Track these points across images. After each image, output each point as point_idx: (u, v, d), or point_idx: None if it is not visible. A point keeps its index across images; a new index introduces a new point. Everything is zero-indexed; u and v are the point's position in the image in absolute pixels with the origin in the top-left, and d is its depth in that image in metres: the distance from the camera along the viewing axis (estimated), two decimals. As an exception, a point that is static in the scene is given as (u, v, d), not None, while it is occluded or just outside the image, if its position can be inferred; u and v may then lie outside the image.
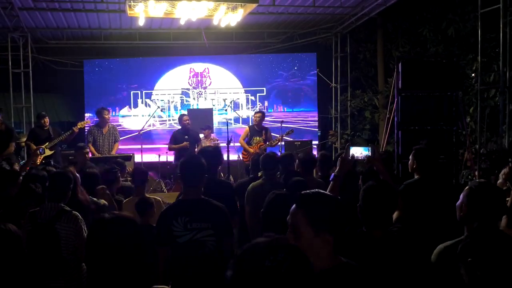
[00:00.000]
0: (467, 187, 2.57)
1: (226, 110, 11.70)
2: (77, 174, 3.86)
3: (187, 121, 9.03)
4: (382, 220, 2.64)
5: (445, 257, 2.43)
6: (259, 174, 5.13)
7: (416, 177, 4.16)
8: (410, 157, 4.21)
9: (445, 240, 2.50)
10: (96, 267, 1.78)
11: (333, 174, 3.36)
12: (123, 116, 12.22)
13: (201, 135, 9.62)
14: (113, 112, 11.82)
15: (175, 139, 9.01)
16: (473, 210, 2.44)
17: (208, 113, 11.12)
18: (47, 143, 8.38)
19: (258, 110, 10.44)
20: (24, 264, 2.20)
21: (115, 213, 1.94)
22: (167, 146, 9.44)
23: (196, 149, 8.74)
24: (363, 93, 12.29)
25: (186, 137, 8.87)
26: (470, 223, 2.45)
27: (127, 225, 1.82)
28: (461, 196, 2.56)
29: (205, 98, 12.26)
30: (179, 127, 9.32)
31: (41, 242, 3.07)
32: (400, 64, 6.73)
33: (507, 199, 3.16)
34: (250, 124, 9.70)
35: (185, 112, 10.21)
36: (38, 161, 7.84)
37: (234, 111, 11.62)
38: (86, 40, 11.88)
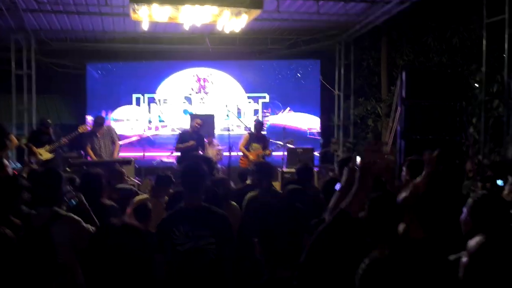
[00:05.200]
0: (469, 200, 2.52)
1: (228, 115, 11.67)
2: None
3: (197, 125, 8.98)
4: (388, 232, 2.58)
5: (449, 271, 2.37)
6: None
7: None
8: (404, 168, 4.13)
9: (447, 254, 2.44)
10: (97, 271, 1.74)
11: (339, 183, 3.30)
12: (115, 120, 12.07)
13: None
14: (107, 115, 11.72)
15: (182, 139, 8.95)
16: (478, 224, 2.39)
17: (210, 119, 11.09)
18: (47, 146, 8.36)
19: (257, 119, 10.49)
20: (17, 268, 2.16)
21: (124, 220, 1.90)
22: (169, 152, 9.42)
23: (199, 151, 8.69)
24: (366, 101, 12.26)
25: (196, 136, 8.83)
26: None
27: (135, 234, 1.78)
28: (464, 210, 2.51)
29: (208, 103, 12.20)
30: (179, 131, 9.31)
31: (35, 247, 3.02)
32: (404, 73, 6.71)
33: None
34: (251, 131, 9.66)
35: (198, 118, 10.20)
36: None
37: (238, 118, 11.56)
38: (90, 42, 11.85)
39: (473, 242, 1.59)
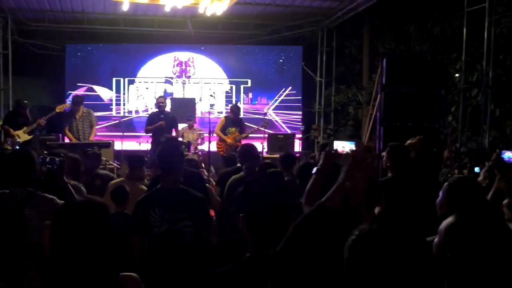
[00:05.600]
0: (445, 184, 2.54)
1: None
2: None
3: (161, 103, 8.93)
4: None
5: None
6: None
7: (389, 175, 4.11)
8: (384, 154, 4.15)
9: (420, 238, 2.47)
10: (60, 253, 1.71)
11: (315, 167, 3.31)
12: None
13: (185, 125, 9.53)
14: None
15: (151, 120, 8.90)
16: (453, 206, 2.41)
17: (191, 103, 11.02)
18: (24, 128, 8.21)
19: (234, 103, 10.60)
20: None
21: (87, 197, 1.87)
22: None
23: (174, 133, 8.64)
24: (348, 88, 12.29)
25: (162, 116, 8.77)
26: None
27: (98, 211, 1.76)
28: (440, 193, 2.53)
29: (189, 87, 12.12)
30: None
31: (8, 227, 2.96)
32: (384, 60, 6.73)
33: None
34: (227, 115, 9.63)
35: (161, 95, 10.11)
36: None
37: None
38: (69, 24, 11.61)
39: (445, 222, 1.61)
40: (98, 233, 1.72)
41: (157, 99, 9.35)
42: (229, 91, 12.15)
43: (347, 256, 1.35)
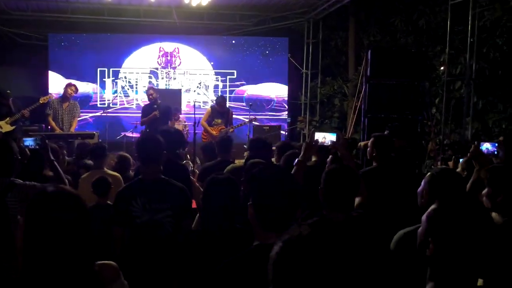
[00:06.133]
0: (428, 174, 2.57)
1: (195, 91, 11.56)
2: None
3: (151, 95, 8.84)
4: (343, 203, 2.62)
5: (404, 243, 2.42)
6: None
7: (374, 165, 4.14)
8: (369, 144, 4.18)
9: (403, 227, 2.50)
10: (33, 242, 1.70)
11: (296, 159, 3.33)
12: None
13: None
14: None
15: (145, 112, 8.82)
16: (434, 196, 2.43)
17: (177, 94, 10.96)
18: (7, 119, 8.11)
19: (220, 94, 10.57)
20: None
21: (60, 186, 1.85)
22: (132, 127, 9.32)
23: (169, 124, 8.55)
24: (333, 80, 12.32)
25: (155, 106, 8.69)
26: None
27: (71, 200, 1.74)
28: (422, 183, 2.56)
29: (174, 78, 12.06)
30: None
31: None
32: (369, 52, 6.75)
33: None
34: (213, 105, 9.58)
35: (150, 86, 10.04)
36: None
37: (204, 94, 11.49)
38: (52, 13, 11.43)
39: (429, 209, 1.63)
40: (70, 222, 1.70)
41: (147, 91, 9.24)
42: (216, 82, 12.11)
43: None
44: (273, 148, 5.17)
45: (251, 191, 1.90)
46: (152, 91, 8.89)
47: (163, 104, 8.76)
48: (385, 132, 5.10)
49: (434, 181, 2.48)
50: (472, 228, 1.50)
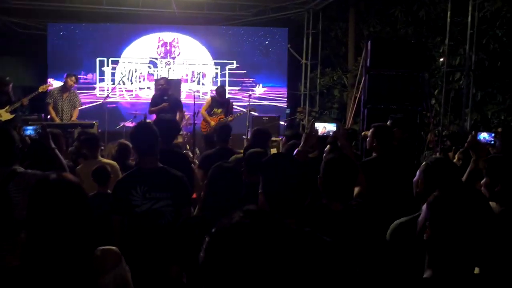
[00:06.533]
0: (423, 163, 2.57)
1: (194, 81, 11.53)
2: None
3: (161, 85, 8.77)
4: (342, 192, 2.64)
5: (400, 233, 2.44)
6: None
7: (373, 155, 4.15)
8: (369, 134, 4.18)
9: (400, 217, 2.51)
10: (35, 229, 1.72)
11: (296, 149, 3.34)
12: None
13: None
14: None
15: (155, 102, 8.78)
16: (430, 186, 2.44)
17: (177, 84, 10.93)
18: (7, 107, 8.11)
19: (220, 84, 10.52)
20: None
21: (61, 174, 1.86)
22: (131, 117, 9.31)
23: (177, 116, 8.51)
24: (333, 71, 12.32)
25: (165, 98, 8.64)
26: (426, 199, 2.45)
27: (72, 188, 1.76)
28: (417, 173, 2.56)
29: (173, 69, 12.04)
30: (145, 96, 9.14)
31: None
32: (369, 43, 6.74)
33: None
34: (213, 95, 9.56)
35: (163, 76, 9.98)
36: None
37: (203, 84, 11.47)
38: (51, 2, 11.39)
39: (430, 197, 1.64)
40: (71, 209, 1.72)
41: (157, 81, 9.13)
42: (215, 72, 12.09)
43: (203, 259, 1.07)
44: (281, 138, 5.21)
45: (262, 179, 1.92)
46: (162, 82, 8.83)
47: (173, 96, 8.73)
48: (388, 123, 5.10)
49: (429, 171, 2.47)
50: (472, 216, 1.52)
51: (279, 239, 1.03)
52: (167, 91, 8.68)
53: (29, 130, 3.76)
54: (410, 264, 2.04)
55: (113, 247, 1.93)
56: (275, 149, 9.15)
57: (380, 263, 2.55)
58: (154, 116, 8.39)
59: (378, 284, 2.44)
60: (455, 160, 3.78)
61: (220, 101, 9.18)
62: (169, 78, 11.60)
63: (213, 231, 1.06)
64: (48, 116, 8.86)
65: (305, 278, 1.02)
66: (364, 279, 2.48)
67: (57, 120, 8.47)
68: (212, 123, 8.97)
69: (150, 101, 8.92)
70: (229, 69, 12.08)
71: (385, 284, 2.28)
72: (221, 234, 1.05)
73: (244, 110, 9.57)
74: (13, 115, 8.12)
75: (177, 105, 8.67)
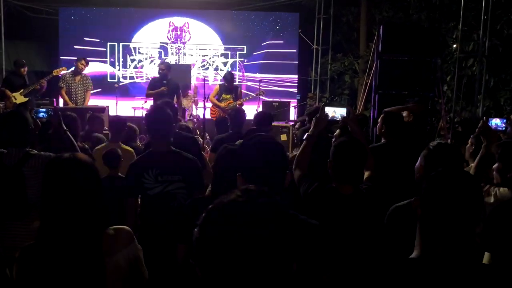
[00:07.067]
0: (425, 149, 2.53)
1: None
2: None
3: (162, 70, 8.79)
4: (352, 176, 2.65)
5: (396, 216, 2.44)
6: None
7: (383, 141, 4.15)
8: (379, 120, 4.19)
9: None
10: (49, 207, 1.76)
11: (306, 133, 3.34)
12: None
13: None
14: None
15: (153, 85, 8.81)
16: (430, 171, 2.41)
17: (187, 69, 10.94)
18: (22, 90, 8.22)
19: (228, 70, 10.52)
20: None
21: (74, 153, 1.90)
22: (143, 99, 9.35)
23: (175, 100, 8.54)
24: (344, 57, 12.23)
25: (165, 82, 8.66)
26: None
27: (84, 167, 1.80)
28: (419, 158, 2.51)
29: (184, 53, 12.03)
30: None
31: (6, 186, 3.01)
32: (381, 27, 6.67)
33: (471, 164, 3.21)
34: (222, 82, 9.55)
35: (164, 61, 10.01)
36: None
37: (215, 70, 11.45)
38: (62, -14, 11.43)
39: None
40: (83, 187, 1.76)
41: (158, 65, 9.17)
42: (225, 57, 12.07)
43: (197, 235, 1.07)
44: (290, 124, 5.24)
45: (238, 162, 1.93)
46: (163, 66, 8.84)
47: (172, 81, 8.74)
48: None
49: (430, 155, 2.42)
50: (462, 197, 1.51)
51: (270, 219, 1.04)
52: (167, 75, 8.70)
53: (41, 113, 3.81)
54: (406, 247, 2.04)
55: (126, 227, 1.97)
56: (285, 135, 9.18)
57: (378, 246, 2.55)
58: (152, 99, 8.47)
59: (367, 266, 2.44)
60: (468, 146, 3.76)
61: (228, 87, 9.18)
62: (180, 63, 11.65)
63: (209, 208, 1.08)
64: (62, 101, 8.93)
65: (291, 258, 1.04)
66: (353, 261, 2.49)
67: (71, 104, 8.53)
68: (222, 105, 8.98)
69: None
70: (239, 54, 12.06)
71: (373, 264, 2.27)
72: (215, 211, 1.06)
73: (252, 94, 9.56)
74: (27, 98, 8.22)
75: (176, 90, 8.68)
